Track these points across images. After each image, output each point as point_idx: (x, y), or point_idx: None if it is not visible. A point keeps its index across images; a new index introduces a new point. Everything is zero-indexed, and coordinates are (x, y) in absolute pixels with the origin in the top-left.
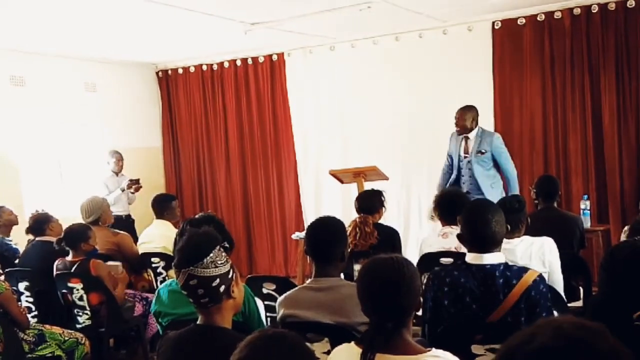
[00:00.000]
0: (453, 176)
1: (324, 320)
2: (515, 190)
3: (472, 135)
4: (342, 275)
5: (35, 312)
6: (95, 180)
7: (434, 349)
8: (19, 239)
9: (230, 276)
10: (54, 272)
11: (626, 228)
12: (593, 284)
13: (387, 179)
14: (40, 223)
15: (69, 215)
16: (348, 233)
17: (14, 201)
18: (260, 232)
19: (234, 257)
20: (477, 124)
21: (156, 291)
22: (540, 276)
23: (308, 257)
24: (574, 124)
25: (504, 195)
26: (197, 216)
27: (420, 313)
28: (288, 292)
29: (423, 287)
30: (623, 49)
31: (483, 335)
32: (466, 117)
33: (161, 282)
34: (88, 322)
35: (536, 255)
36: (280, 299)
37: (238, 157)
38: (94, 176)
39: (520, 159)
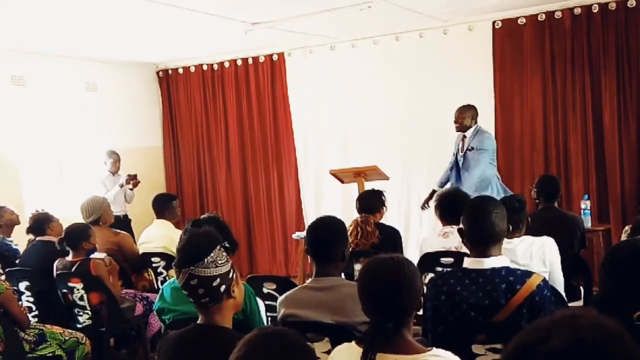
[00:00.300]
0: (453, 173)
1: (324, 320)
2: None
3: (468, 133)
4: (342, 275)
5: (36, 312)
6: (95, 180)
7: (434, 348)
8: (19, 239)
9: (230, 276)
10: (54, 272)
11: (627, 228)
12: (594, 284)
13: (387, 178)
14: (40, 223)
15: (69, 215)
16: (349, 232)
17: (14, 201)
18: (261, 231)
19: (234, 257)
20: (475, 122)
21: (160, 290)
22: (544, 280)
23: (308, 256)
24: (574, 123)
25: (500, 195)
26: (201, 217)
27: (420, 312)
28: (288, 292)
29: (424, 287)
30: (624, 49)
31: (485, 336)
32: (465, 116)
33: (162, 282)
34: (88, 322)
35: (537, 255)
36: (280, 298)
37: (238, 157)
38: (95, 176)
39: (520, 158)
